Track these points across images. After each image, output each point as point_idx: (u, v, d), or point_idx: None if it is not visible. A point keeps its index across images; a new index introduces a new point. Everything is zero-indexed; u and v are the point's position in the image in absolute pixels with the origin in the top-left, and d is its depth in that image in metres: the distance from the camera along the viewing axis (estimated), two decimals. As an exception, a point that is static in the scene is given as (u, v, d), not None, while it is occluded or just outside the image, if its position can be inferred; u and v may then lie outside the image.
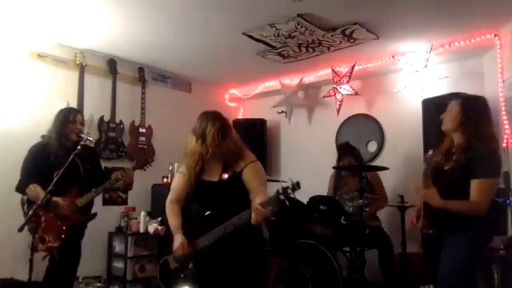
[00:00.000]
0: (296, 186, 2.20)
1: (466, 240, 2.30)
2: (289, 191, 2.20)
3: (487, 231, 2.46)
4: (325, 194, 4.33)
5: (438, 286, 2.43)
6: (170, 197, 2.68)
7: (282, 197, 2.21)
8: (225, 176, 2.49)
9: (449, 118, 2.47)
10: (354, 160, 4.22)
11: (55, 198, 3.00)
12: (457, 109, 2.43)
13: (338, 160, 4.32)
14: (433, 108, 3.84)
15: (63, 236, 3.04)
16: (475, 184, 2.28)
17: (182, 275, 2.53)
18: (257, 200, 2.28)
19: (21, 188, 3.12)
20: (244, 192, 2.46)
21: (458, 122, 2.42)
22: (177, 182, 2.67)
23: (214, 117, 2.56)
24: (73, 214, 3.11)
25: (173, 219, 2.59)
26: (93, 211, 3.35)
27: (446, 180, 2.38)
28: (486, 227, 2.39)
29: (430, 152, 2.59)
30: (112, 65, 4.75)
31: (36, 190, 3.00)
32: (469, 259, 2.31)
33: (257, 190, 2.41)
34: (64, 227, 3.06)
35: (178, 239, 2.49)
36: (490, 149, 2.34)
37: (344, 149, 4.34)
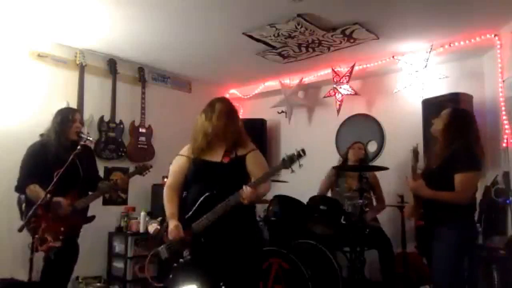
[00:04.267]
0: (302, 152, 2.34)
1: (451, 229, 2.65)
2: (295, 158, 2.33)
3: (468, 220, 2.76)
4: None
5: (434, 274, 2.75)
6: (169, 181, 2.68)
7: (288, 164, 2.34)
8: (228, 158, 2.54)
9: (437, 122, 2.89)
10: (363, 147, 4.29)
11: (56, 198, 3.00)
12: (445, 116, 2.85)
13: (347, 151, 4.34)
14: (433, 108, 3.85)
15: (61, 237, 3.03)
16: (457, 178, 2.65)
17: (176, 264, 2.50)
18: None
19: (20, 188, 3.12)
20: (244, 176, 2.53)
21: (442, 127, 2.81)
22: (178, 164, 2.68)
23: (224, 100, 2.71)
24: (71, 215, 3.12)
25: (170, 206, 2.58)
26: (93, 210, 3.36)
27: (434, 177, 2.75)
28: (468, 216, 2.74)
29: (416, 145, 3.00)
30: (112, 65, 4.75)
31: (36, 190, 2.99)
32: (456, 245, 2.64)
33: (257, 175, 2.47)
34: (62, 228, 3.06)
35: (173, 223, 2.49)
36: (467, 148, 2.70)
37: (356, 141, 4.39)
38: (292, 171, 2.34)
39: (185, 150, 2.68)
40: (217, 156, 2.57)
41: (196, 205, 2.50)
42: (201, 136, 2.58)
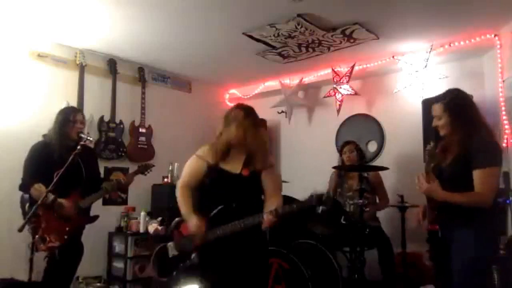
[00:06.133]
0: (329, 200, 2.33)
1: (472, 235, 2.30)
2: (323, 199, 2.30)
3: (493, 225, 2.41)
4: (325, 194, 4.33)
5: (456, 280, 2.39)
6: (183, 180, 2.60)
7: (315, 204, 2.30)
8: (247, 171, 2.51)
9: (441, 124, 2.50)
10: (355, 149, 4.23)
11: (59, 200, 3.02)
12: (444, 113, 2.47)
13: (340, 154, 4.32)
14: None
15: (66, 236, 3.06)
16: (477, 175, 2.28)
17: (182, 264, 2.50)
18: (270, 206, 2.38)
19: (25, 187, 3.11)
20: (261, 191, 2.53)
21: (451, 125, 2.45)
22: (194, 166, 2.60)
23: (249, 109, 2.62)
24: (76, 215, 3.13)
25: (185, 204, 2.53)
26: (93, 211, 3.36)
27: (447, 175, 2.42)
28: (491, 221, 2.36)
29: (431, 144, 2.59)
30: (112, 65, 4.75)
31: (41, 190, 2.98)
32: (479, 256, 2.30)
33: (273, 193, 2.49)
34: (67, 228, 3.08)
35: (195, 220, 2.44)
36: (487, 139, 2.37)
37: (344, 143, 4.35)
38: (319, 210, 2.33)
39: (204, 152, 2.58)
40: (236, 167, 2.53)
41: (211, 215, 2.48)
42: (222, 144, 2.52)
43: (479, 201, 2.29)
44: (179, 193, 2.58)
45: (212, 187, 2.55)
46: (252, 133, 2.51)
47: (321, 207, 2.33)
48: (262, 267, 2.66)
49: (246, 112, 2.57)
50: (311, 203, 2.30)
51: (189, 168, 2.62)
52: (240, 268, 2.43)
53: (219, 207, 2.47)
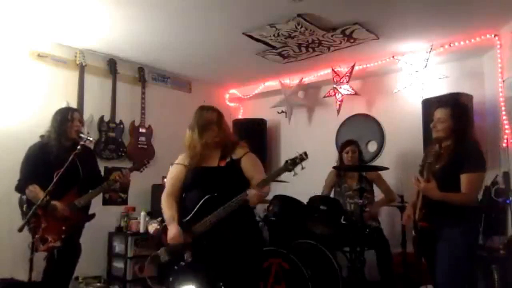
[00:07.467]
0: (304, 155, 2.37)
1: (460, 230, 2.56)
2: (297, 161, 2.37)
3: (476, 221, 2.81)
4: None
5: (441, 276, 2.61)
6: (166, 189, 2.70)
7: (290, 167, 2.38)
8: (224, 162, 2.59)
9: (442, 127, 2.70)
10: (357, 149, 4.22)
11: (53, 202, 3.01)
12: (449, 119, 2.69)
13: (340, 154, 4.30)
14: (433, 108, 3.84)
15: (63, 236, 3.05)
16: (464, 179, 2.56)
17: (176, 267, 2.50)
18: (254, 183, 2.43)
19: (20, 188, 3.12)
20: (242, 178, 2.56)
21: (450, 131, 2.68)
22: (174, 173, 2.71)
23: (211, 109, 2.74)
24: (72, 215, 3.12)
25: (168, 210, 2.59)
26: (93, 211, 3.37)
27: (438, 176, 2.62)
28: (475, 218, 2.74)
29: (436, 146, 2.74)
30: (112, 65, 4.75)
31: (35, 191, 3.00)
32: (465, 246, 2.57)
33: (254, 175, 2.53)
34: (64, 228, 3.07)
35: (173, 228, 2.49)
36: (476, 148, 2.67)
37: (346, 142, 4.34)
38: (295, 174, 2.38)
39: (181, 159, 2.71)
40: (213, 162, 2.61)
41: (196, 208, 2.51)
42: (191, 148, 2.62)
43: (467, 200, 2.58)
44: (162, 201, 2.65)
45: (192, 184, 2.62)
46: (222, 129, 2.65)
47: (294, 169, 2.40)
48: (255, 250, 2.72)
49: (219, 113, 2.71)
50: (287, 168, 2.39)
51: (170, 176, 2.74)
52: (235, 255, 2.45)
53: (204, 198, 2.49)
